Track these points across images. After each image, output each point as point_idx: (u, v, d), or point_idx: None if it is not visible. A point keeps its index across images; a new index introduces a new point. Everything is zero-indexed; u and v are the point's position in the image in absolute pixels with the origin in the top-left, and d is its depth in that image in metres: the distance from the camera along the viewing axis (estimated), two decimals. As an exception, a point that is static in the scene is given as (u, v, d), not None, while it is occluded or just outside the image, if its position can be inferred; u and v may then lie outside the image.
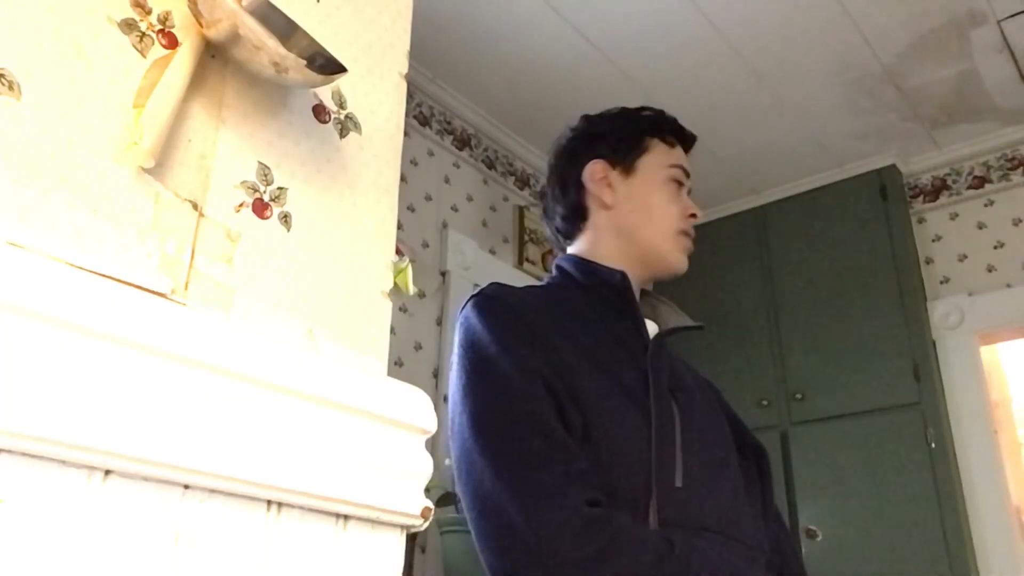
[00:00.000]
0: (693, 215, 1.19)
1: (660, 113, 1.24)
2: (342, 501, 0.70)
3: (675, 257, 1.18)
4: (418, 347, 2.50)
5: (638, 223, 1.17)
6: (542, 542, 0.85)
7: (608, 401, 0.97)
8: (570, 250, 1.22)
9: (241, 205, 0.75)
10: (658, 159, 1.19)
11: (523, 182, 3.12)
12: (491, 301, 1.04)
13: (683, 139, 1.24)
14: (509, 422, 0.93)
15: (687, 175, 1.21)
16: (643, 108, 1.25)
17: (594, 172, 1.18)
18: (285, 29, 0.74)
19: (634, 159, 1.19)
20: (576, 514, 0.86)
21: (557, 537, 0.85)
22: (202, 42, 0.73)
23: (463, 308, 1.06)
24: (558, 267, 1.20)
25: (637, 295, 1.17)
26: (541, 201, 1.30)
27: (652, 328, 1.14)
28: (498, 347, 0.98)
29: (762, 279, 3.18)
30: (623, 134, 1.20)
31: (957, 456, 2.70)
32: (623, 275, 1.13)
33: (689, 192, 1.23)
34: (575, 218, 1.20)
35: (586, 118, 1.27)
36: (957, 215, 3.05)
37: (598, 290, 1.13)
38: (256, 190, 0.77)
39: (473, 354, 1.00)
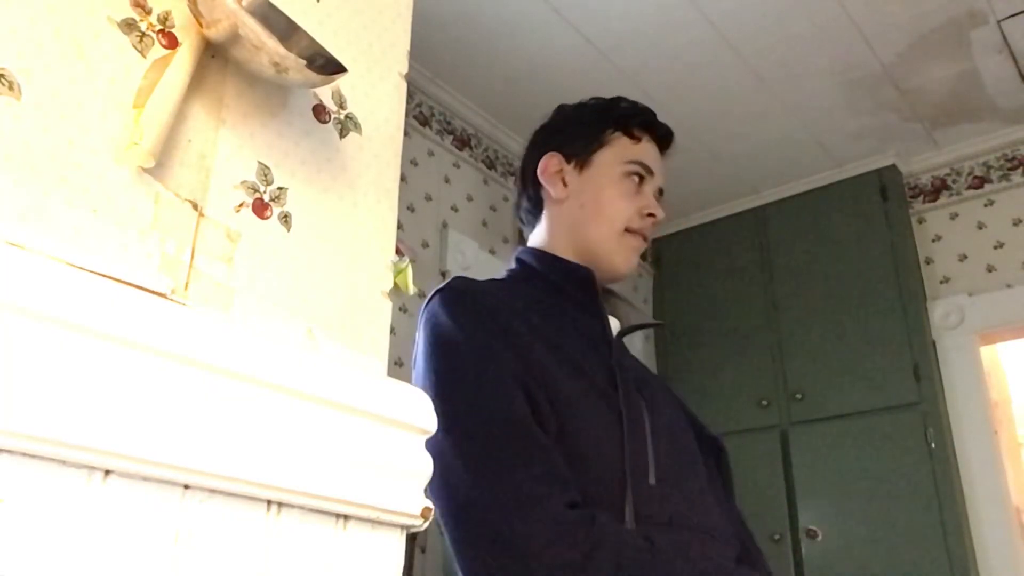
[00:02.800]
0: (651, 215, 1.14)
1: (632, 106, 1.19)
2: (342, 501, 0.70)
3: (618, 258, 1.13)
4: (418, 347, 2.50)
5: (584, 219, 1.14)
6: (526, 547, 0.84)
7: (581, 401, 0.96)
8: (529, 243, 1.21)
9: (241, 205, 0.75)
10: (616, 153, 1.15)
11: (523, 182, 3.12)
12: (459, 296, 1.02)
13: (655, 134, 1.18)
14: (485, 424, 0.91)
15: (650, 172, 1.16)
16: (618, 99, 1.20)
17: (547, 165, 1.17)
18: (285, 29, 0.74)
19: (590, 153, 1.16)
20: (559, 517, 0.86)
21: (541, 541, 0.84)
22: (202, 42, 0.73)
23: (428, 303, 1.04)
24: (518, 259, 1.18)
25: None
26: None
27: (613, 324, 1.13)
28: (471, 345, 0.96)
29: (762, 279, 3.18)
30: (582, 127, 1.17)
31: (957, 456, 2.70)
32: (588, 270, 1.11)
33: (661, 192, 1.18)
34: (534, 210, 1.20)
35: (559, 109, 1.24)
36: (957, 215, 3.05)
37: (562, 284, 1.11)
38: (256, 190, 0.77)
39: (444, 352, 0.97)
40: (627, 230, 1.14)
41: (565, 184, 1.16)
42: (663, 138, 1.20)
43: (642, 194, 1.15)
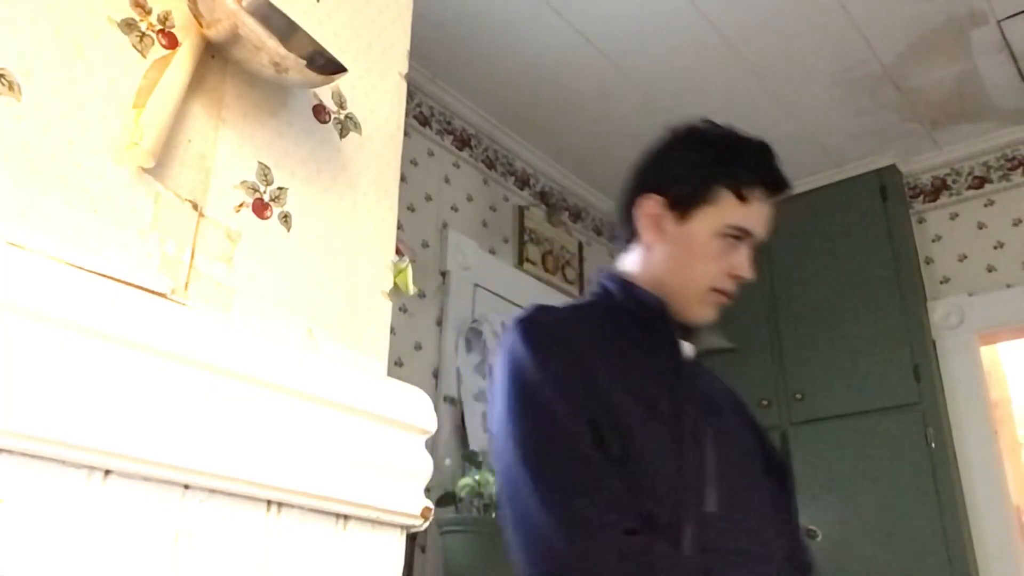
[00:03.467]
0: (738, 276, 1.14)
1: (750, 162, 1.16)
2: (342, 501, 0.70)
3: (697, 312, 1.15)
4: (418, 347, 2.50)
5: (672, 270, 1.14)
6: (584, 568, 0.91)
7: (643, 428, 1.00)
8: (618, 265, 1.24)
9: (241, 205, 0.75)
10: (717, 214, 1.13)
11: (523, 182, 3.12)
12: (537, 329, 1.07)
13: (767, 191, 1.16)
14: (552, 451, 0.98)
15: (748, 233, 1.14)
16: (740, 144, 1.18)
17: (645, 207, 1.16)
18: (285, 29, 0.74)
19: (693, 208, 1.13)
20: (616, 542, 0.92)
21: (598, 564, 0.91)
22: (202, 42, 0.73)
23: (508, 331, 1.08)
24: (602, 285, 1.21)
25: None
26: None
27: (689, 349, 1.16)
28: (543, 377, 1.01)
29: (762, 279, 3.17)
30: (691, 176, 1.15)
31: (957, 456, 2.70)
32: (661, 301, 1.13)
33: (756, 247, 1.17)
34: (627, 238, 1.21)
35: (673, 137, 1.21)
36: (957, 215, 3.05)
37: (637, 312, 1.14)
38: (256, 190, 0.77)
39: (520, 382, 1.03)
40: (712, 289, 1.14)
41: (661, 230, 1.15)
42: (777, 192, 1.17)
43: (735, 253, 1.14)
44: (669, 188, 1.14)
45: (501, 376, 1.06)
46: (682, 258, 1.14)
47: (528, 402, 1.01)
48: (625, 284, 1.17)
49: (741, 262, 1.14)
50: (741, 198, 1.13)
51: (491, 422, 1.07)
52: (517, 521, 0.98)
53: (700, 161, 1.15)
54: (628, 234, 1.20)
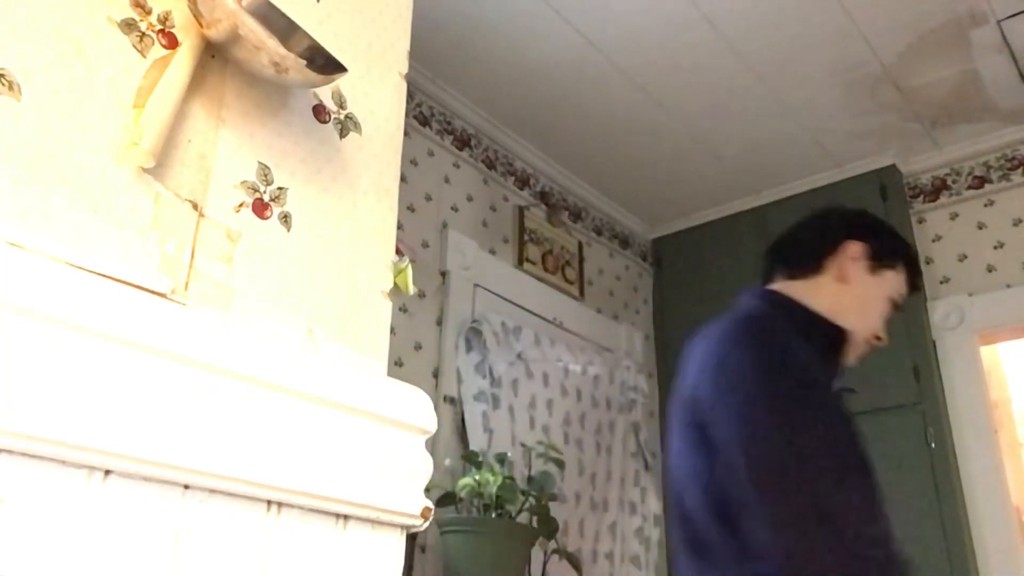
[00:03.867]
0: (879, 338, 1.36)
1: (917, 264, 1.43)
2: (342, 501, 0.70)
3: (853, 354, 1.33)
4: (418, 347, 2.50)
5: (854, 311, 1.32)
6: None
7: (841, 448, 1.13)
8: (781, 287, 1.37)
9: (241, 205, 0.75)
10: (896, 282, 1.38)
11: (523, 182, 3.12)
12: (760, 328, 1.20)
13: (914, 292, 1.42)
14: (819, 451, 1.08)
15: (897, 310, 1.39)
16: (911, 248, 1.44)
17: (855, 250, 1.35)
18: (285, 29, 0.74)
19: (884, 266, 1.36)
20: (864, 554, 1.05)
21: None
22: (202, 42, 0.74)
23: (729, 324, 1.20)
24: (769, 301, 1.35)
25: None
26: (792, 233, 1.48)
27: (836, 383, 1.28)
28: (791, 364, 1.13)
29: (762, 279, 3.17)
30: (891, 246, 1.40)
31: (957, 456, 2.70)
32: (844, 333, 1.28)
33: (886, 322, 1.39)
34: (809, 264, 1.37)
35: (881, 219, 1.48)
36: (957, 215, 3.05)
37: (816, 336, 1.27)
38: (256, 190, 0.77)
39: (784, 388, 1.11)
40: (867, 339, 1.34)
41: (856, 273, 1.35)
42: (917, 290, 1.43)
43: (884, 321, 1.37)
44: (875, 242, 1.37)
45: (732, 369, 1.14)
46: (863, 302, 1.35)
47: (791, 406, 1.10)
48: (803, 308, 1.31)
49: (884, 329, 1.37)
50: (908, 280, 1.39)
51: (707, 406, 1.14)
52: (736, 521, 1.06)
53: (897, 241, 1.42)
54: (812, 263, 1.37)
